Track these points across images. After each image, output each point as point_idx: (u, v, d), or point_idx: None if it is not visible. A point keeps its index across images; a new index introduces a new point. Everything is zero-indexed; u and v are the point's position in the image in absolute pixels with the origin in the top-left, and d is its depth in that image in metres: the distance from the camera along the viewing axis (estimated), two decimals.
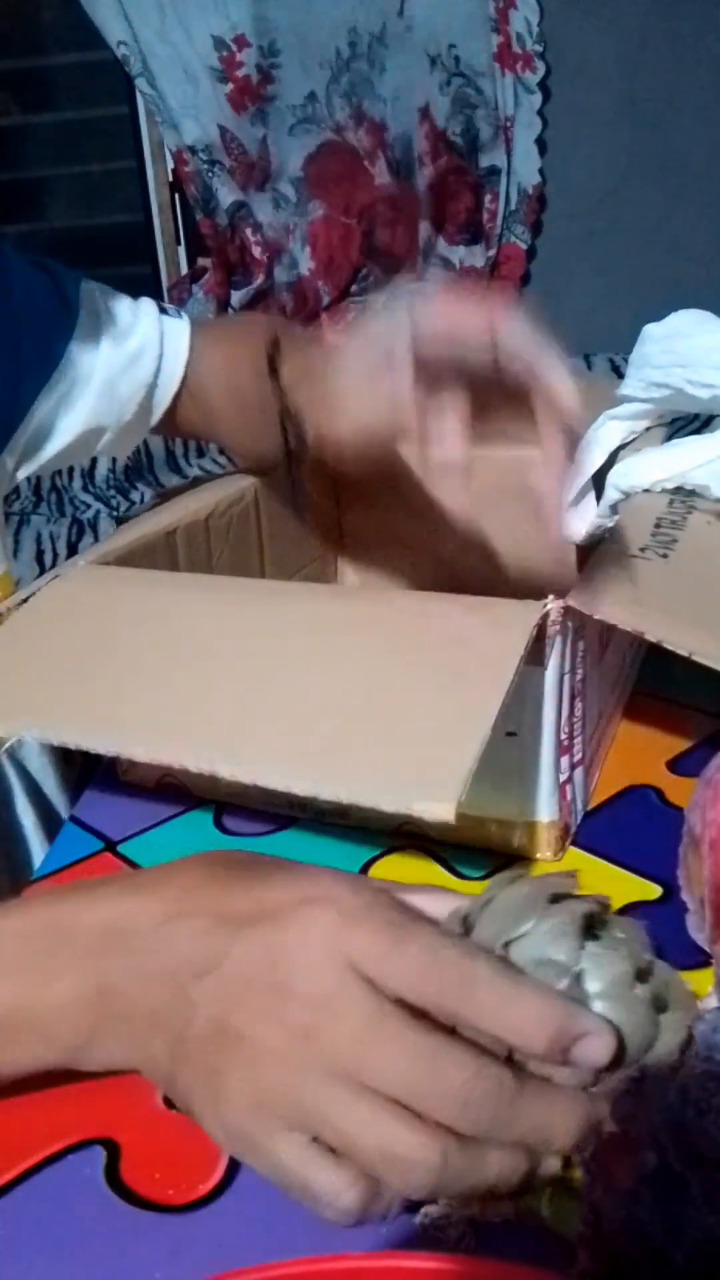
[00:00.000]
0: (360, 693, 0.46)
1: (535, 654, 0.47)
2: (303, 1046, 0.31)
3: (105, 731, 0.47)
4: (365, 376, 0.54)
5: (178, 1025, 0.34)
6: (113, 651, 0.52)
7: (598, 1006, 0.35)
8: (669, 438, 0.65)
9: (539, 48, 1.87)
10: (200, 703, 0.48)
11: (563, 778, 0.53)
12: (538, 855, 0.54)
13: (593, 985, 0.36)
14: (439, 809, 0.39)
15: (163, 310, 0.72)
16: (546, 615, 0.48)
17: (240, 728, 0.46)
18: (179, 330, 0.70)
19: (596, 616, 0.47)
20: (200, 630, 0.52)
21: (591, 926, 0.39)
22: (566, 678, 0.51)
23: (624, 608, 0.47)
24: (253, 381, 0.67)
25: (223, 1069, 0.33)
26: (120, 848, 0.58)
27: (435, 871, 0.54)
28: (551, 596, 0.48)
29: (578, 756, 0.54)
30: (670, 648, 0.45)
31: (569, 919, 0.37)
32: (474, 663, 0.46)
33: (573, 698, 0.52)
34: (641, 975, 0.37)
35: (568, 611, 0.48)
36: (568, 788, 0.54)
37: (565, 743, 0.52)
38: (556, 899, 0.39)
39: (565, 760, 0.53)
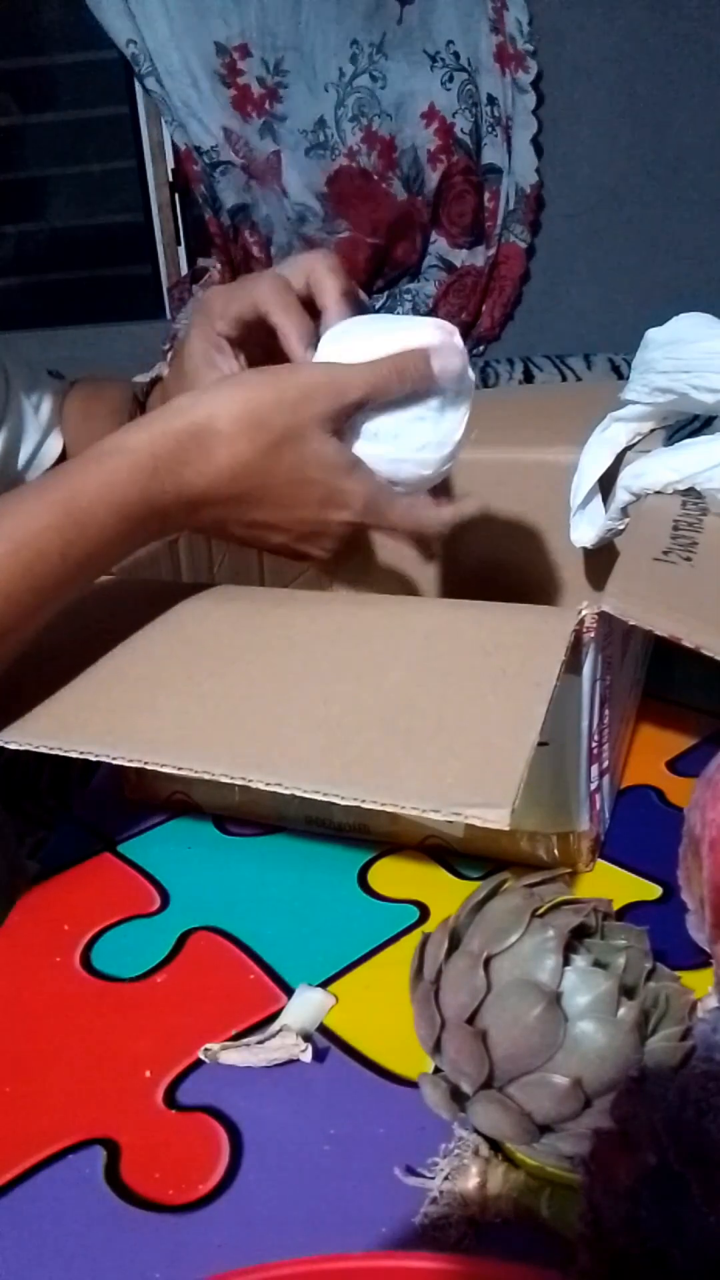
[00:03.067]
0: (397, 701, 0.45)
1: (571, 661, 0.46)
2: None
3: (130, 743, 0.46)
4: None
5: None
6: (131, 663, 0.51)
7: (578, 1029, 0.35)
8: (669, 439, 0.65)
9: (529, 48, 1.87)
10: (230, 713, 0.47)
11: (593, 786, 0.52)
12: (571, 866, 0.53)
13: (573, 1007, 0.36)
14: (493, 815, 0.38)
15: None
16: (582, 622, 0.47)
17: (274, 738, 0.45)
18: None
19: (632, 623, 0.46)
20: (223, 640, 0.52)
21: (585, 934, 0.39)
22: (598, 684, 0.50)
23: (659, 613, 0.46)
24: None
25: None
26: (120, 848, 0.58)
27: (437, 872, 0.54)
28: (585, 603, 0.47)
29: (605, 764, 0.53)
30: (709, 654, 0.44)
31: (554, 935, 0.37)
32: (513, 669, 0.45)
33: (602, 704, 0.51)
34: (630, 991, 0.37)
35: (601, 617, 0.47)
36: (597, 796, 0.53)
37: (595, 750, 0.52)
38: (545, 911, 0.39)
39: (595, 769, 0.52)
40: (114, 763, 0.46)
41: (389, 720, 0.44)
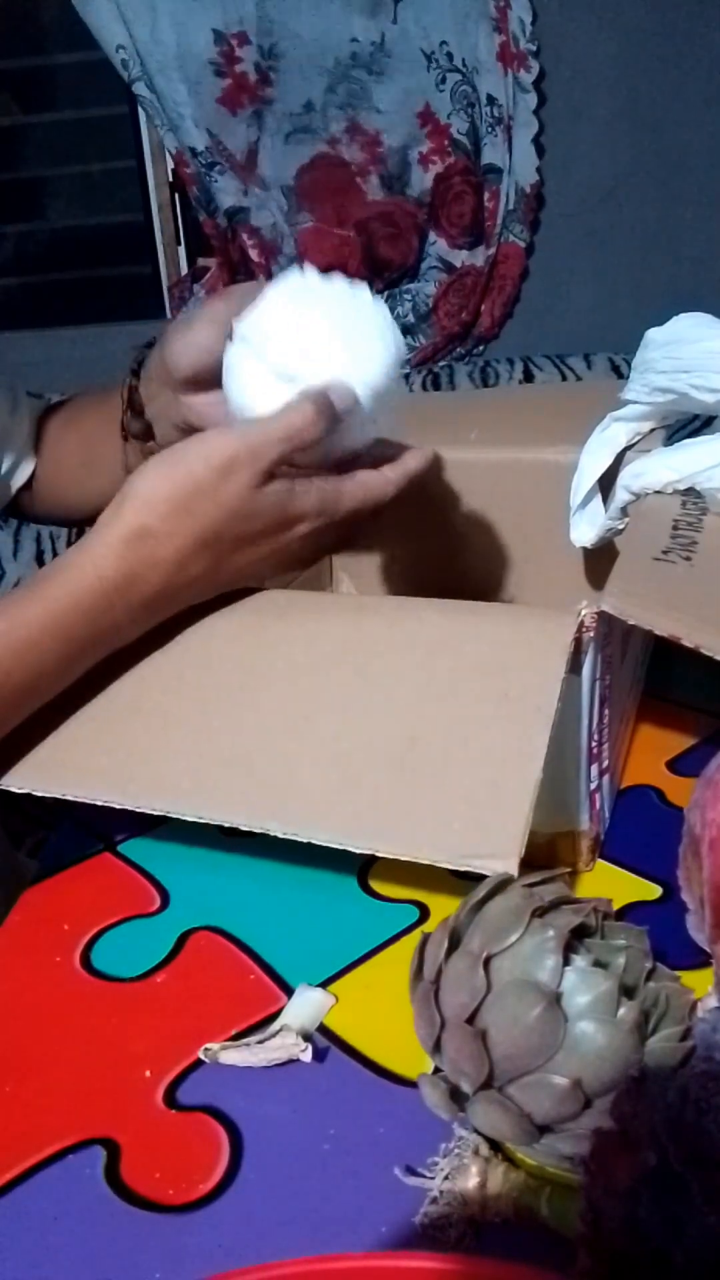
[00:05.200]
0: (404, 735, 0.46)
1: (571, 661, 0.47)
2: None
3: (153, 793, 0.47)
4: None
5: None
6: (142, 694, 0.51)
7: (578, 1029, 0.35)
8: (669, 439, 0.65)
9: (532, 47, 1.87)
10: (243, 755, 0.47)
11: (593, 785, 0.52)
12: (571, 866, 0.53)
13: (573, 1007, 0.36)
14: (500, 865, 0.40)
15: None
16: (581, 623, 0.47)
17: (288, 782, 0.46)
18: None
19: (632, 622, 0.46)
20: (229, 664, 0.51)
21: (585, 934, 0.39)
22: (597, 684, 0.50)
23: (658, 613, 0.46)
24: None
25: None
26: (120, 848, 0.58)
27: (437, 872, 0.53)
28: (585, 602, 0.47)
29: (605, 763, 0.53)
30: (708, 653, 0.44)
31: (554, 935, 0.37)
32: (515, 691, 0.45)
33: (602, 704, 0.51)
34: (630, 991, 0.37)
35: (601, 617, 0.47)
36: (597, 796, 0.53)
37: (595, 750, 0.52)
38: (545, 910, 0.39)
39: (595, 768, 0.52)
40: (138, 810, 0.47)
41: (397, 759, 0.45)
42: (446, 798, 0.43)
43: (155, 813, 0.47)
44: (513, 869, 0.39)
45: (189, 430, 0.63)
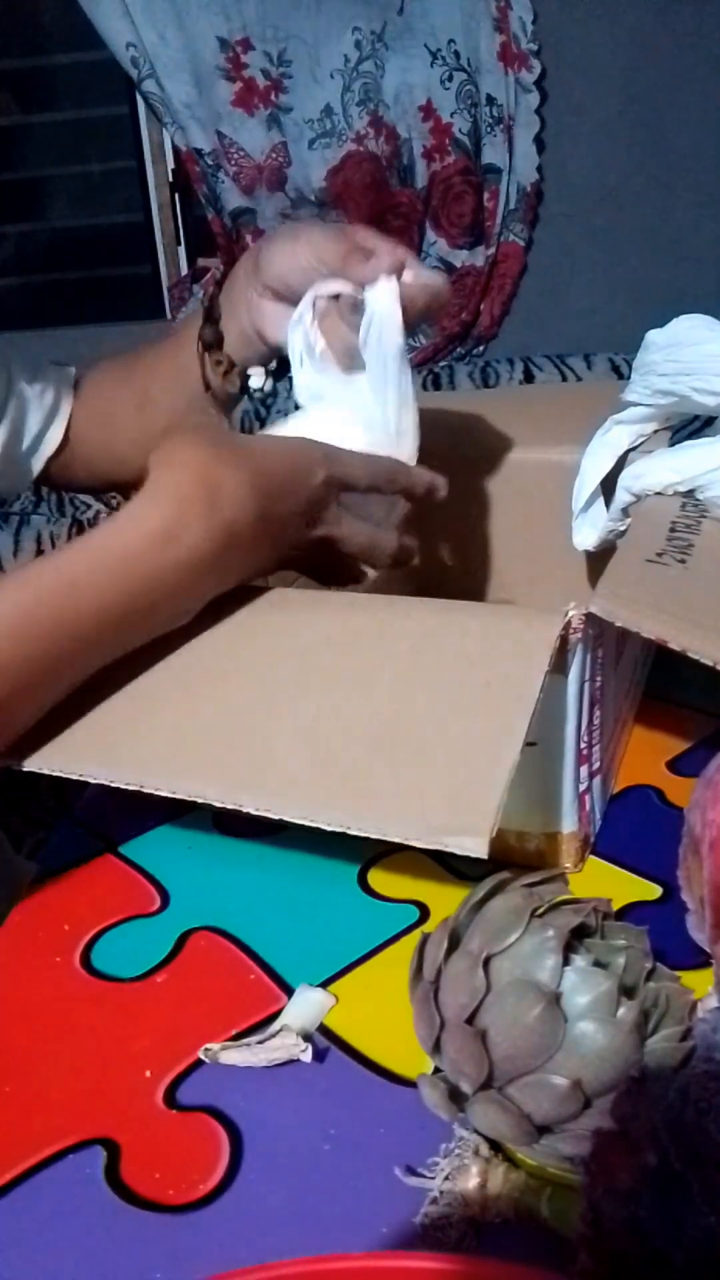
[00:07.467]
0: (383, 717, 0.46)
1: (557, 662, 0.46)
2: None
3: (127, 766, 0.47)
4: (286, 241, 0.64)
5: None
6: (130, 677, 0.51)
7: (578, 1029, 0.35)
8: (672, 442, 0.65)
9: (534, 47, 1.88)
10: (223, 732, 0.47)
11: (582, 787, 0.52)
12: (558, 867, 0.53)
13: (573, 1008, 0.36)
14: (472, 844, 0.39)
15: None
16: (568, 624, 0.47)
17: (264, 759, 0.46)
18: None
19: (619, 624, 0.46)
20: (219, 651, 0.52)
21: (585, 934, 0.39)
22: (586, 685, 0.50)
23: (646, 615, 0.46)
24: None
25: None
26: (120, 848, 0.58)
27: (437, 872, 0.54)
28: (573, 603, 0.47)
29: (596, 765, 0.53)
30: (695, 656, 0.44)
31: (554, 935, 0.37)
32: (498, 680, 0.45)
33: (592, 705, 0.51)
34: (630, 991, 0.37)
35: (589, 619, 0.47)
36: (587, 797, 0.53)
37: (585, 752, 0.52)
38: (545, 910, 0.39)
39: (584, 770, 0.52)
40: (112, 785, 0.47)
41: (375, 739, 0.45)
42: (421, 779, 0.43)
43: (129, 787, 0.47)
44: (483, 848, 0.39)
45: (257, 338, 0.67)
